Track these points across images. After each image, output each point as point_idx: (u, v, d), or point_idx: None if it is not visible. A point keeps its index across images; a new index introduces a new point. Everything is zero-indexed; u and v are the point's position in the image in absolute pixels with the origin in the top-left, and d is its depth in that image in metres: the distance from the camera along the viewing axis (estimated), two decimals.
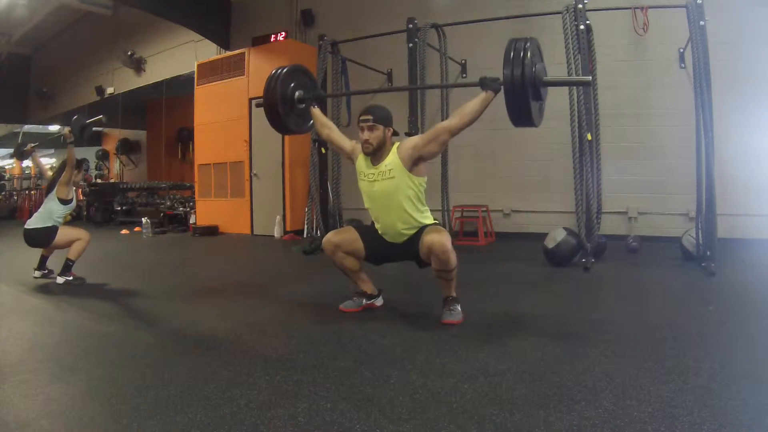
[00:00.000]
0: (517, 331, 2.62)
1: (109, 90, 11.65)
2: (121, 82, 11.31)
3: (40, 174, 4.57)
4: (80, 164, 4.35)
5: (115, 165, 14.20)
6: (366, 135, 2.79)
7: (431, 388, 1.89)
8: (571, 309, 3.13)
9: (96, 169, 14.38)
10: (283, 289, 3.92)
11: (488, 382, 1.93)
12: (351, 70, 6.50)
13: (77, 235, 4.14)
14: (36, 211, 4.20)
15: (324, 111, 3.51)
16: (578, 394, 1.81)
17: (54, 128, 14.89)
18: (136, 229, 8.54)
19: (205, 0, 8.81)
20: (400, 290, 3.63)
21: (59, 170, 4.25)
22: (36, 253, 4.26)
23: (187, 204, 9.33)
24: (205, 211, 8.27)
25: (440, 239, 2.65)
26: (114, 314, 3.14)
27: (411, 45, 5.31)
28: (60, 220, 4.17)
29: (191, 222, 8.50)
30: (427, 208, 2.90)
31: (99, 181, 13.57)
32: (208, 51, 9.12)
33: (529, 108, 2.56)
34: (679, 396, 1.76)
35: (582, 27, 4.61)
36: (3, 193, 14.64)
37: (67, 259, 4.05)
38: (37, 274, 4.23)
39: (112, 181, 13.44)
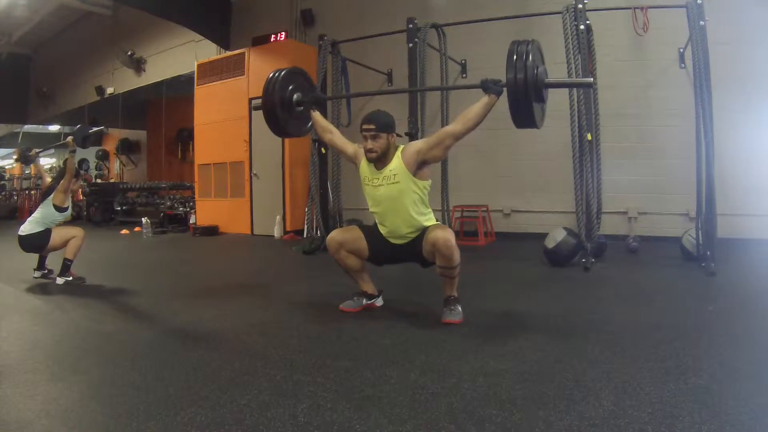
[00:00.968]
0: (517, 331, 2.62)
1: (109, 90, 11.65)
2: (121, 82, 11.31)
3: (40, 177, 4.57)
4: (78, 173, 4.36)
5: (115, 165, 14.21)
6: (370, 144, 2.77)
7: (431, 388, 1.89)
8: (571, 309, 3.13)
9: (96, 169, 14.39)
10: (283, 289, 3.92)
11: (488, 382, 1.93)
12: (351, 70, 6.50)
13: (71, 233, 4.13)
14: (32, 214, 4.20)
15: (324, 113, 3.50)
16: (578, 394, 1.81)
17: (54, 128, 14.90)
18: (136, 229, 8.55)
19: (205, 0, 8.82)
20: (400, 290, 3.63)
21: (58, 177, 4.25)
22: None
23: (187, 204, 9.34)
24: (205, 211, 8.27)
25: (444, 235, 2.66)
26: (114, 314, 3.14)
27: (411, 45, 5.31)
28: (53, 225, 4.16)
29: (191, 222, 8.51)
30: (430, 210, 2.91)
31: (99, 181, 13.58)
32: (208, 51, 9.12)
33: (531, 110, 2.57)
34: (679, 396, 1.76)
35: (582, 27, 4.61)
36: (3, 193, 14.64)
37: (65, 259, 4.04)
38: (37, 274, 4.23)
39: (112, 181, 13.45)
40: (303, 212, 7.04)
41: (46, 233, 4.06)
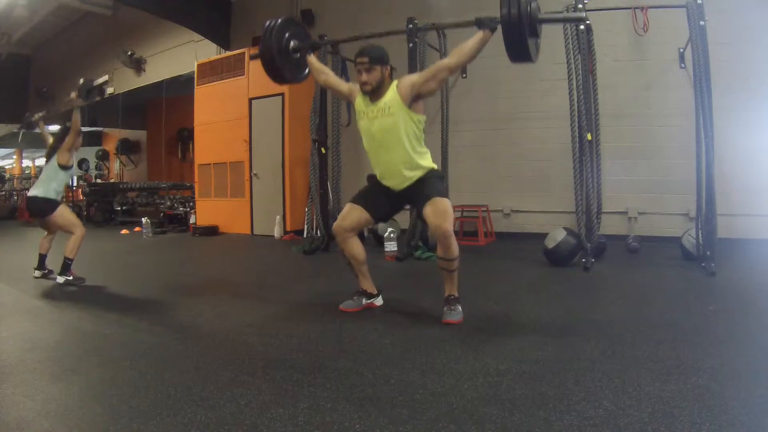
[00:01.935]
0: (517, 331, 2.62)
1: (109, 90, 11.64)
2: (121, 82, 11.31)
3: (44, 142, 4.56)
4: (80, 131, 4.31)
5: (115, 165, 14.21)
6: (364, 77, 2.79)
7: (431, 388, 1.89)
8: (571, 309, 3.13)
9: (96, 169, 14.39)
10: (283, 289, 3.92)
11: (488, 382, 1.93)
12: (351, 71, 6.50)
13: (74, 222, 4.14)
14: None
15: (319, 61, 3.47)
16: (578, 394, 1.81)
17: (54, 128, 14.88)
18: (136, 229, 8.55)
19: (205, 0, 8.82)
20: (400, 290, 3.63)
21: (60, 137, 4.22)
22: (35, 252, 4.25)
23: (187, 204, 9.34)
24: (205, 211, 8.27)
25: (442, 226, 2.66)
26: (114, 314, 3.14)
27: (411, 45, 5.31)
28: (61, 191, 4.19)
29: (191, 222, 8.51)
30: (426, 150, 2.91)
31: (99, 181, 13.59)
32: (208, 51, 9.12)
33: (526, 44, 2.60)
34: (679, 396, 1.76)
35: (582, 27, 4.60)
36: (4, 185, 14.65)
37: (66, 258, 4.04)
38: (38, 273, 4.23)
39: (112, 181, 13.45)
40: (303, 212, 7.04)
41: (55, 204, 4.08)
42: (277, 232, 7.22)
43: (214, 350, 2.40)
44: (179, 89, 10.11)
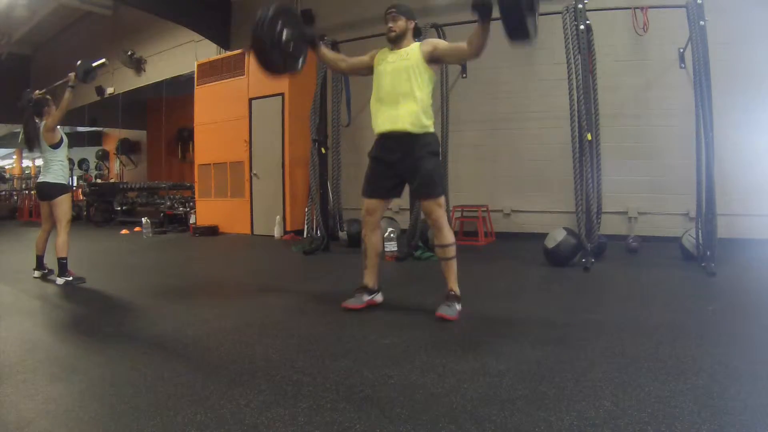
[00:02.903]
0: (517, 331, 2.62)
1: (109, 90, 11.64)
2: (121, 82, 11.31)
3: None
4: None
5: (115, 165, 14.22)
6: (390, 24, 3.04)
7: (431, 388, 1.89)
8: (571, 309, 3.13)
9: (96, 169, 14.39)
10: (283, 289, 3.92)
11: (488, 382, 1.93)
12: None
13: (66, 217, 4.13)
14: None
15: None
16: (578, 394, 1.81)
17: None
18: (136, 229, 8.55)
19: (205, 0, 8.81)
20: (400, 290, 3.63)
21: (36, 111, 4.23)
22: (33, 252, 4.25)
23: (187, 204, 9.34)
24: (205, 211, 8.28)
25: (435, 212, 2.91)
26: (114, 314, 3.14)
27: None
28: (66, 171, 4.23)
29: (191, 222, 8.51)
30: (432, 120, 3.01)
31: (99, 181, 13.59)
32: (208, 51, 9.13)
33: (525, 21, 2.56)
34: (679, 396, 1.76)
35: (582, 27, 4.60)
36: (4, 184, 14.64)
37: (59, 259, 4.02)
38: (37, 274, 4.23)
39: (112, 181, 13.45)
40: (303, 212, 7.04)
41: (64, 188, 4.13)
42: (277, 232, 7.22)
43: (214, 350, 2.40)
44: (179, 89, 10.13)
